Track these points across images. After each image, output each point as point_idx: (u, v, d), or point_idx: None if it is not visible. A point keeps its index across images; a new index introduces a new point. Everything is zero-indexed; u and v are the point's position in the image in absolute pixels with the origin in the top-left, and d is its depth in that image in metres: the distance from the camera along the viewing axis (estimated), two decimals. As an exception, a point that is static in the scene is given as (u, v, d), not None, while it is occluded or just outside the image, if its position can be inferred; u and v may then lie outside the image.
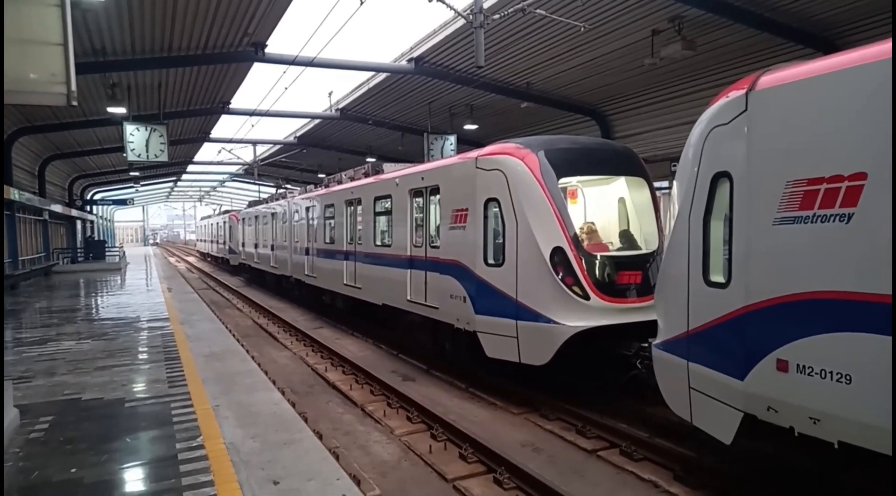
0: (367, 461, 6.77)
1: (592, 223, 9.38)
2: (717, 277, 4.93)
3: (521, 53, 15.69)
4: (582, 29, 12.30)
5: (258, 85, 56.36)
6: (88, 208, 42.36)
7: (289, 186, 35.60)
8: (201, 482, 4.33)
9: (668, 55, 13.02)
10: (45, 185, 27.20)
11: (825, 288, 3.93)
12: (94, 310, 14.47)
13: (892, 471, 3.56)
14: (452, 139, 21.63)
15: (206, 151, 35.15)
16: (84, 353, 8.84)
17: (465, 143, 21.77)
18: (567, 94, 18.84)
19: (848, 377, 3.79)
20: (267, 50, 15.17)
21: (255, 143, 30.30)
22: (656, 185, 9.55)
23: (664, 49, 13.02)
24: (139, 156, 17.45)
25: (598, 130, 19.76)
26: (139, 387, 7.02)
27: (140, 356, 8.69)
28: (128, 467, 4.70)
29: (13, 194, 19.47)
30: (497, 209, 8.55)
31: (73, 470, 4.62)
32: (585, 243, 8.40)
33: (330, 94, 23.07)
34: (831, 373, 3.88)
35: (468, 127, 21.31)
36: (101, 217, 54.46)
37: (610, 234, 9.32)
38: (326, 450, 5.06)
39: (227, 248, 34.27)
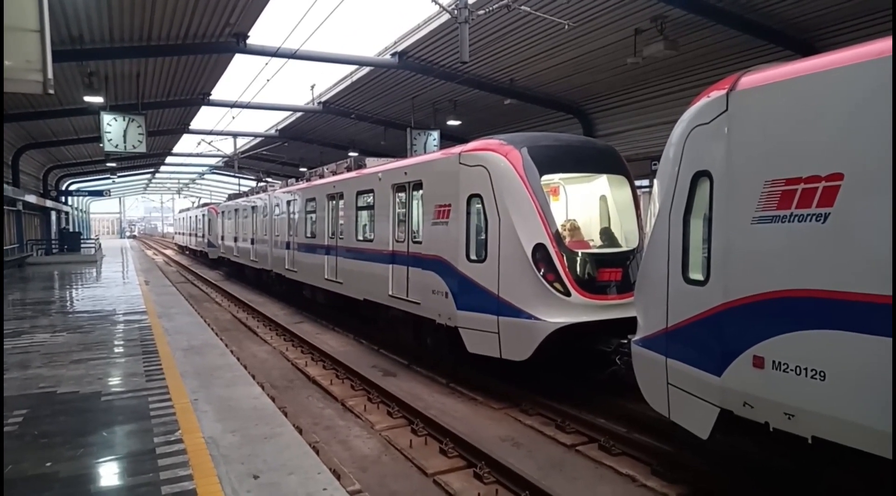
0: (348, 456, 6.78)
1: (574, 220, 9.46)
2: (696, 275, 5.00)
3: (506, 50, 15.71)
4: (566, 27, 12.36)
5: (239, 76, 55.83)
6: (63, 199, 41.59)
7: (269, 180, 35.30)
8: (180, 476, 4.29)
9: (651, 54, 13.12)
10: (19, 174, 26.64)
11: (801, 286, 4.00)
12: (69, 303, 14.23)
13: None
14: (436, 134, 21.59)
15: (186, 143, 34.77)
16: (59, 346, 8.69)
17: (449, 138, 21.74)
18: (550, 92, 18.91)
19: (822, 374, 3.87)
20: (249, 41, 14.98)
21: (235, 135, 29.95)
22: (637, 183, 9.65)
23: (647, 48, 13.13)
24: (116, 146, 17.14)
25: (581, 128, 19.87)
26: (116, 380, 6.92)
27: (117, 349, 8.56)
28: (105, 461, 4.63)
29: (-14, 184, 19.06)
30: (480, 205, 8.57)
31: (49, 464, 4.54)
32: (567, 240, 8.47)
33: (312, 87, 22.92)
34: (805, 369, 3.96)
35: (452, 122, 21.30)
36: (77, 208, 53.52)
37: (591, 232, 9.41)
38: (307, 445, 5.03)
39: (205, 241, 33.90)
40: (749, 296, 4.35)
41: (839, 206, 3.80)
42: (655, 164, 6.89)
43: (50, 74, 5.33)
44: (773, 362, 4.17)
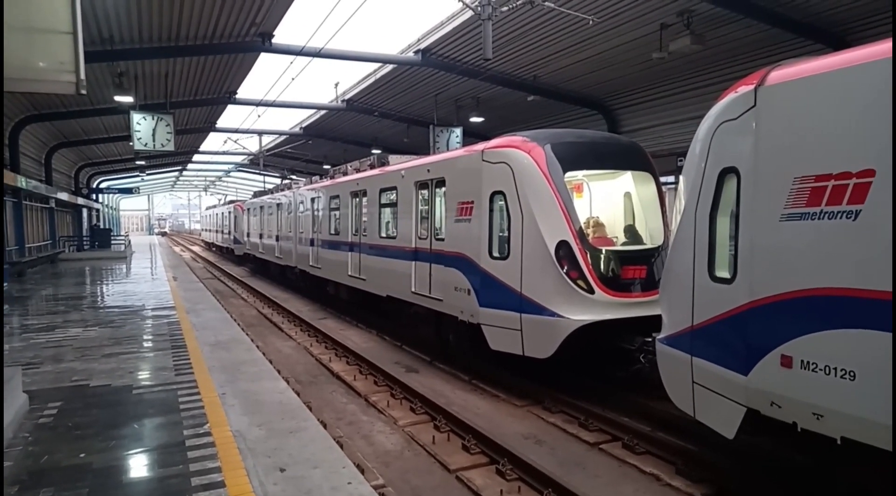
0: (371, 451, 6.83)
1: (598, 217, 9.40)
2: (723, 273, 4.94)
3: (529, 46, 15.64)
4: (590, 22, 12.25)
5: (265, 75, 56.38)
6: (94, 197, 42.47)
7: (294, 177, 35.65)
8: (209, 468, 4.38)
9: (677, 49, 12.94)
10: (52, 172, 27.26)
11: (831, 284, 3.93)
12: (100, 298, 14.56)
13: (893, 464, 3.58)
14: (458, 131, 21.59)
15: (212, 141, 35.19)
16: (91, 340, 8.91)
17: (472, 135, 21.73)
18: (574, 88, 18.77)
19: (852, 373, 3.81)
20: (274, 40, 15.17)
21: (260, 133, 30.32)
22: (662, 180, 9.54)
23: (673, 43, 12.95)
24: (146, 145, 17.48)
25: (605, 124, 19.69)
26: (146, 374, 7.07)
27: (146, 344, 8.75)
28: (136, 453, 4.74)
29: (20, 182, 19.54)
30: (503, 202, 8.56)
31: (82, 455, 4.67)
32: (591, 237, 8.42)
33: (336, 85, 23.12)
34: (835, 369, 3.90)
35: (474, 119, 21.27)
36: (107, 205, 54.61)
37: (615, 229, 9.33)
38: (331, 439, 5.09)
39: (231, 238, 34.38)
40: (777, 295, 4.29)
41: (871, 203, 3.72)
42: (681, 161, 6.83)
43: (82, 75, 5.46)
44: (802, 362, 4.11)
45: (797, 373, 4.14)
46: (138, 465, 4.54)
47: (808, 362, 4.07)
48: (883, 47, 3.83)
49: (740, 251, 4.68)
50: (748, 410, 4.58)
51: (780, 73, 4.50)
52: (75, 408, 5.81)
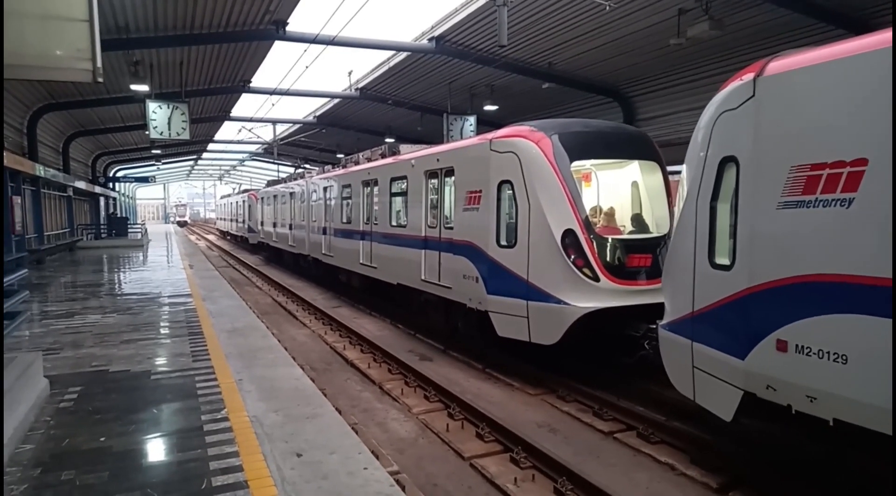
0: (385, 438, 6.93)
1: (604, 206, 9.43)
2: (722, 260, 5.02)
3: (544, 33, 15.49)
4: (607, 8, 12.14)
5: (279, 64, 56.27)
6: (111, 185, 42.95)
7: (307, 166, 35.79)
8: (226, 453, 4.47)
9: (695, 35, 12.65)
10: (69, 161, 27.61)
11: (825, 271, 4.01)
12: (118, 286, 14.80)
13: (892, 447, 3.65)
14: (472, 120, 21.51)
15: (227, 130, 35.43)
16: (110, 327, 9.09)
17: (486, 123, 21.65)
18: (589, 75, 18.60)
19: (844, 357, 3.89)
20: (288, 28, 15.19)
21: (274, 122, 30.41)
22: (678, 168, 9.49)
23: (691, 29, 12.67)
24: (161, 134, 17.63)
25: (621, 112, 19.51)
26: (164, 360, 7.22)
27: (164, 330, 8.92)
28: (155, 437, 4.85)
29: (38, 170, 19.84)
30: (510, 191, 8.63)
31: (102, 439, 4.77)
32: (597, 226, 8.49)
33: (350, 73, 23.11)
34: (828, 353, 3.99)
35: (488, 107, 21.16)
36: (124, 194, 55.19)
37: (622, 218, 9.37)
38: (347, 425, 5.14)
39: (246, 226, 34.67)
40: (773, 281, 4.37)
41: (863, 191, 3.79)
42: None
43: (99, 63, 5.49)
44: (797, 346, 4.20)
45: (792, 357, 4.23)
46: (157, 449, 4.64)
47: (802, 346, 4.16)
48: (876, 38, 3.86)
49: (739, 238, 4.75)
50: (745, 393, 4.67)
51: (779, 64, 4.54)
52: (95, 392, 5.95)
